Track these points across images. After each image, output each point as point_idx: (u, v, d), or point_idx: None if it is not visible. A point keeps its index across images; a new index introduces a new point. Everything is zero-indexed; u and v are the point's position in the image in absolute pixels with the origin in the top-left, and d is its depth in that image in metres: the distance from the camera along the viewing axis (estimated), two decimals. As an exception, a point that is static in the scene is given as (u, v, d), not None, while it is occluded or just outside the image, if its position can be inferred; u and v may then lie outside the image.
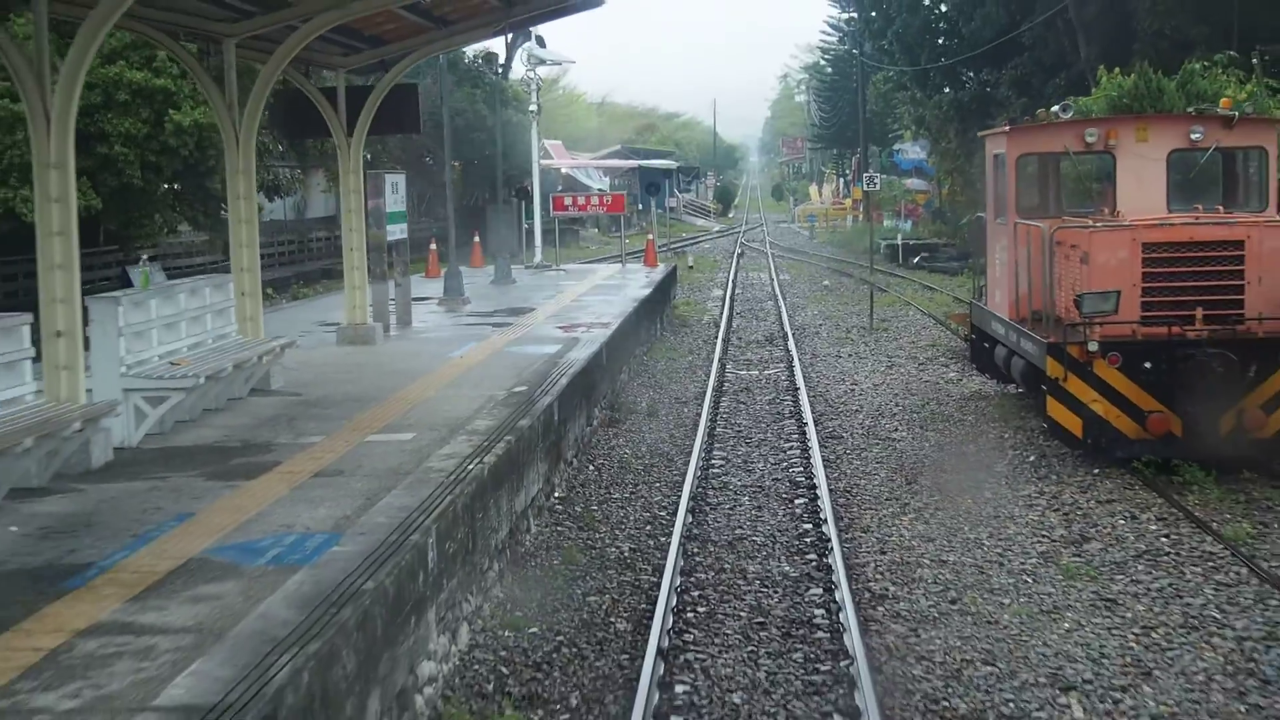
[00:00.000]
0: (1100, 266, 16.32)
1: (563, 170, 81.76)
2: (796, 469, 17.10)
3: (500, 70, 47.33)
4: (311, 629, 7.23)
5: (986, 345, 21.28)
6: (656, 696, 9.56)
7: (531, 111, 40.55)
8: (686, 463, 17.08)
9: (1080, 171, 19.44)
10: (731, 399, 22.63)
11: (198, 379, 12.69)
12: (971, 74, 68.39)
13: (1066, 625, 10.93)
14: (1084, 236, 16.75)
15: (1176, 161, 18.35)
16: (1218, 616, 11.07)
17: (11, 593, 8.16)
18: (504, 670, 10.19)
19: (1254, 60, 42.86)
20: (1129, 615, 11.15)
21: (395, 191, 21.90)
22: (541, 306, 27.37)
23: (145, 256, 32.85)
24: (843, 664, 10.18)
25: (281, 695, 6.40)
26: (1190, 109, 21.04)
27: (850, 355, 27.54)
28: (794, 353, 27.50)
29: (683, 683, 9.93)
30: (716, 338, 30.41)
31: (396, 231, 22.10)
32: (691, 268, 53.00)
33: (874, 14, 71.71)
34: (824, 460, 17.16)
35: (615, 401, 21.24)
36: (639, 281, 32.93)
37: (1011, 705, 9.34)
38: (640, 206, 72.93)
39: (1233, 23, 50.14)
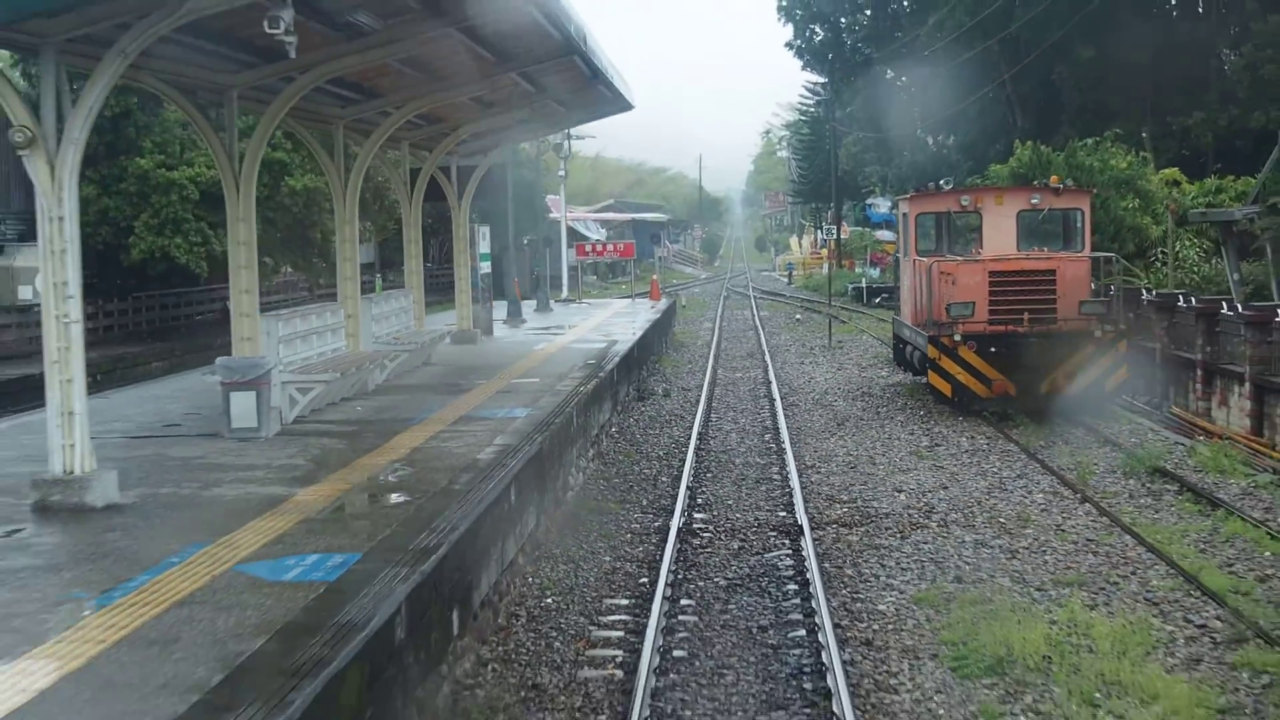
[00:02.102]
0: (963, 286, 25.39)
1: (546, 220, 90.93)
2: (767, 420, 26.09)
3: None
4: (539, 431, 16.23)
5: (901, 347, 30.36)
6: (688, 499, 18.47)
7: (560, 176, 49.87)
8: (694, 417, 26.01)
9: (959, 224, 28.47)
10: (723, 388, 31.62)
11: (416, 345, 21.76)
12: (930, 138, 77.66)
13: (909, 474, 19.95)
14: (954, 267, 25.82)
15: (1023, 218, 27.27)
16: (996, 470, 20.10)
17: (387, 426, 17.14)
18: (605, 491, 19.13)
19: (1143, 134, 52.30)
20: (947, 471, 20.17)
21: (484, 239, 31.02)
22: (581, 324, 36.58)
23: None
24: (787, 490, 19.14)
25: (539, 446, 15.35)
26: (1035, 182, 30.01)
27: (811, 363, 36.63)
28: (769, 362, 36.48)
29: (702, 495, 18.87)
30: (709, 354, 39.35)
31: (484, 267, 31.15)
32: (684, 307, 61.99)
33: (842, 84, 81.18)
34: (785, 416, 26.11)
35: (640, 387, 30.20)
36: (648, 310, 42.11)
37: (869, 497, 18.35)
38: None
39: (1147, 97, 59.41)
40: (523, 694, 10.87)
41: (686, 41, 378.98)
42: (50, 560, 10.27)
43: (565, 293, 48.67)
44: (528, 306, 41.47)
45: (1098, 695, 10.44)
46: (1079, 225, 27.42)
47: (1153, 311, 27.91)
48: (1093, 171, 39.84)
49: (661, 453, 22.45)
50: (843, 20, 78.15)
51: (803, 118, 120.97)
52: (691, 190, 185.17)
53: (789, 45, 79.63)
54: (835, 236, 63.30)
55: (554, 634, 12.48)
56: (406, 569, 9.59)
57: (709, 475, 20.49)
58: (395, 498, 12.33)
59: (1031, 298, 25.17)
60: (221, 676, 7.29)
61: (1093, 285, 26.62)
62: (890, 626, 12.52)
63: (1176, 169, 41.81)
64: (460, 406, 18.97)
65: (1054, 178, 28.65)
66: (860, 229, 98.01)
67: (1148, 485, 18.95)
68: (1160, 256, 38.80)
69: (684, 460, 21.23)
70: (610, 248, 52.04)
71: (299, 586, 9.21)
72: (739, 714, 10.45)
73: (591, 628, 12.70)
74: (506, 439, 15.65)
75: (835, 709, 10.22)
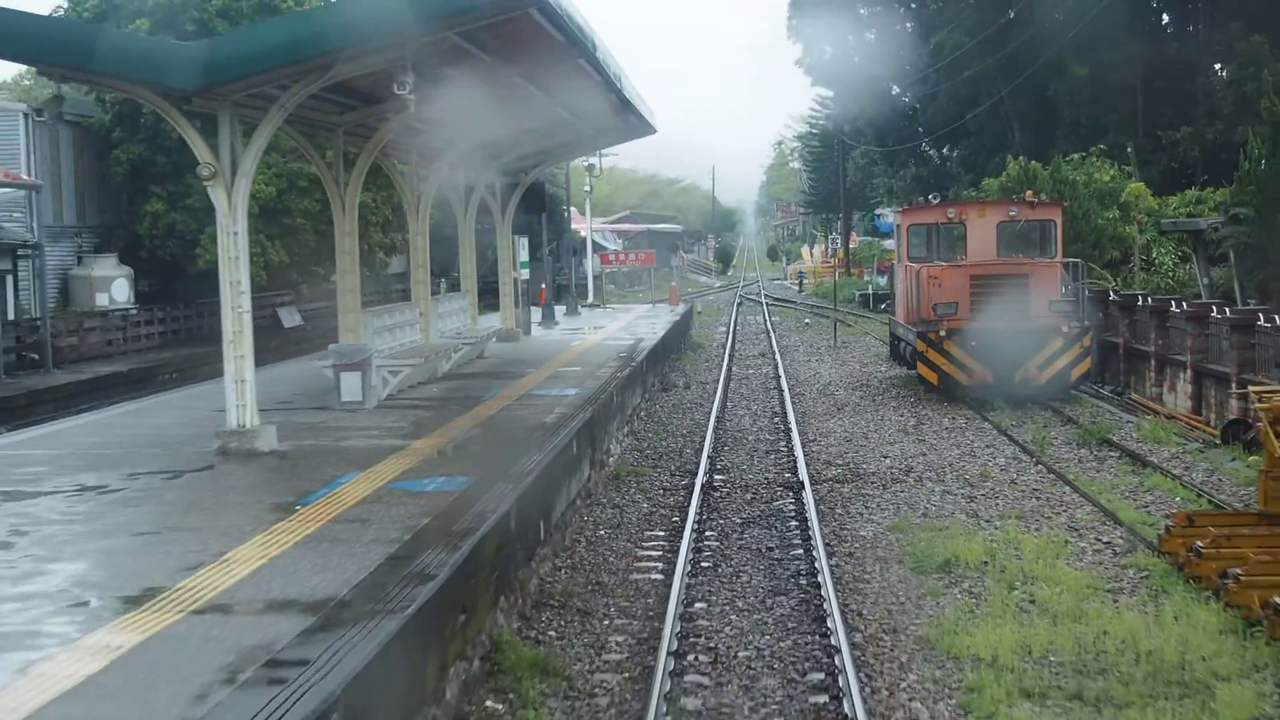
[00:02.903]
0: (948, 288, 29.07)
1: (581, 233, 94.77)
2: (776, 406, 29.80)
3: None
4: (587, 404, 19.97)
5: (896, 344, 34.07)
6: (709, 465, 22.18)
7: (586, 191, 53.76)
8: (712, 404, 29.72)
9: (946, 234, 32.15)
10: (737, 381, 35.34)
11: (474, 339, 25.54)
12: (934, 151, 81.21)
13: (895, 445, 23.65)
14: (940, 271, 29.51)
15: (1002, 228, 30.90)
16: (969, 442, 23.79)
17: (463, 401, 20.89)
18: (641, 459, 22.84)
19: (1129, 149, 55.75)
20: (927, 443, 23.87)
21: (523, 248, 34.82)
22: (608, 325, 40.40)
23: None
24: (791, 458, 22.84)
25: (589, 417, 19.09)
26: (1014, 196, 33.70)
27: (817, 360, 40.35)
28: (779, 360, 40.18)
29: (721, 462, 22.58)
30: (725, 354, 43.06)
31: (523, 274, 34.93)
32: (700, 313, 65.67)
33: (850, 100, 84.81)
34: (792, 403, 29.82)
35: (664, 380, 33.93)
36: (668, 314, 45.91)
37: (860, 462, 22.06)
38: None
39: (1137, 111, 62.85)
40: (589, 587, 14.58)
41: (692, 48, 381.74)
42: (250, 481, 14.09)
43: (590, 298, 52.45)
44: (558, 310, 45.29)
45: (1017, 583, 14.14)
46: (1052, 234, 31.02)
47: (1117, 310, 31.55)
48: (1075, 185, 43.42)
49: (685, 431, 26.16)
50: (850, 39, 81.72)
51: (813, 130, 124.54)
52: (705, 201, 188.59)
53: (798, 63, 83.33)
54: (843, 246, 66.74)
55: (608, 553, 16.20)
56: (512, 485, 13.34)
57: (726, 448, 24.20)
58: (487, 446, 16.08)
59: (1007, 298, 28.78)
60: (409, 536, 11.05)
61: (1064, 288, 30.22)
62: (868, 545, 16.25)
63: (1143, 184, 45.26)
64: (519, 388, 22.75)
65: (1029, 192, 32.36)
66: (869, 238, 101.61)
67: (1094, 453, 22.63)
68: (1139, 262, 42.37)
69: (704, 436, 24.91)
70: (632, 256, 55.85)
71: (438, 494, 12.98)
72: (751, 598, 14.14)
73: (637, 549, 16.42)
74: (563, 409, 19.42)
75: (823, 593, 13.91)
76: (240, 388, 15.75)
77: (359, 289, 20.48)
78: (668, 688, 11.20)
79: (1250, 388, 15.92)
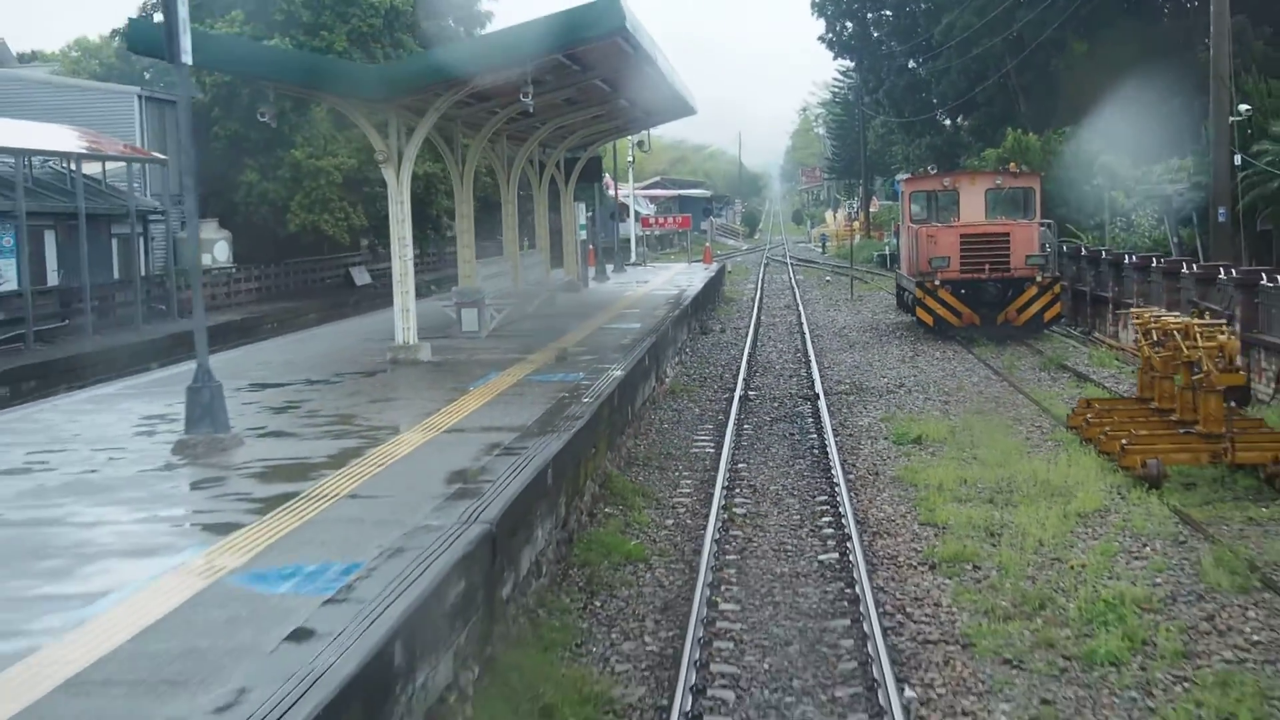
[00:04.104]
0: (942, 245, 34.80)
1: (616, 198, 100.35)
2: (798, 345, 35.63)
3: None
4: (653, 334, 25.84)
5: (901, 294, 39.82)
6: (744, 385, 28.00)
7: (630, 162, 59.54)
8: (745, 343, 35.55)
9: (943, 200, 37.82)
10: (765, 327, 41.18)
11: (552, 287, 31.39)
12: (949, 122, 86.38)
13: (894, 370, 29.46)
14: (936, 231, 35.24)
15: (989, 195, 36.51)
16: (952, 368, 29.59)
17: (553, 332, 26.76)
18: (690, 381, 28.70)
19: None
20: (919, 368, 29.68)
21: (579, 215, 40.66)
22: (653, 279, 46.33)
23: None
24: (810, 380, 28.65)
25: (655, 339, 24.95)
26: (999, 167, 39.32)
27: (835, 310, 46.16)
28: (801, 310, 45.99)
29: (754, 383, 28.41)
30: (754, 306, 48.87)
31: (581, 234, 40.76)
32: (730, 272, 71.43)
33: (869, 73, 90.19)
34: (812, 342, 35.63)
35: (703, 326, 39.77)
36: (703, 271, 51.77)
37: (864, 380, 27.90)
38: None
39: (1133, 85, 67.81)
40: (663, 455, 20.46)
41: (716, 8, 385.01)
42: (425, 377, 20.03)
43: (633, 258, 58.35)
44: (607, 268, 51.25)
45: (966, 447, 19.97)
46: (1032, 199, 36.58)
47: (1085, 264, 37.23)
48: (1063, 155, 48.92)
49: (724, 362, 32.03)
50: (869, 16, 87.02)
51: (835, 100, 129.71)
52: (731, 166, 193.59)
53: (821, 39, 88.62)
54: (864, 210, 72.28)
55: (673, 437, 22.08)
56: (610, 379, 19.24)
57: (757, 373, 30.05)
58: (584, 358, 21.98)
59: (992, 253, 34.48)
60: (554, 401, 16.95)
61: (1045, 245, 35.84)
62: (863, 429, 22.14)
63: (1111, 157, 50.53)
64: (593, 323, 28.65)
65: (1012, 164, 38.00)
66: (889, 203, 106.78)
67: (1051, 374, 28.40)
68: (1109, 223, 47.92)
69: (739, 366, 30.74)
70: (671, 220, 61.73)
71: (564, 382, 18.88)
72: (779, 460, 20.00)
73: (693, 435, 22.29)
74: (633, 336, 25.30)
75: (829, 456, 19.76)
76: (405, 315, 21.65)
77: (473, 244, 26.31)
78: (724, 503, 17.09)
79: (1131, 310, 21.62)
